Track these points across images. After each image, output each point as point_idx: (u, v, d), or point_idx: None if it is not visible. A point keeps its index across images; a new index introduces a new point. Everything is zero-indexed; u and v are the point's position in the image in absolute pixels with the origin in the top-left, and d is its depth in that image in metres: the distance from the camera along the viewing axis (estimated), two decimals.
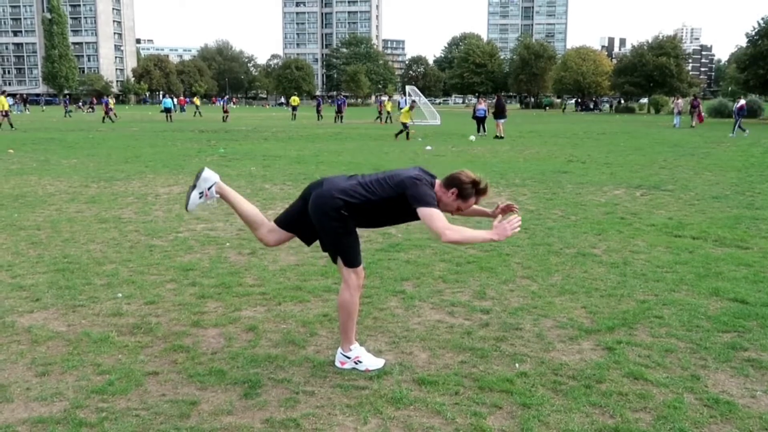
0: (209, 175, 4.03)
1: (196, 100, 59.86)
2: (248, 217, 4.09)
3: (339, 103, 46.17)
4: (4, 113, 31.69)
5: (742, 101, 31.57)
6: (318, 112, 48.93)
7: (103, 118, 42.25)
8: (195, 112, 56.58)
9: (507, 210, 4.06)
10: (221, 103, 48.17)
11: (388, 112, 43.56)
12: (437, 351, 4.23)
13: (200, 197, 4.00)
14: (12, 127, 31.41)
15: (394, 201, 3.70)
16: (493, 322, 4.75)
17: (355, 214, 3.75)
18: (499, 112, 27.03)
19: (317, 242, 4.00)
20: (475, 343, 4.35)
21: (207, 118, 49.36)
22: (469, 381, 3.77)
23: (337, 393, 3.63)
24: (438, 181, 3.84)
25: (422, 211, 3.59)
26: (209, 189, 4.01)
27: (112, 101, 48.38)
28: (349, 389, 3.67)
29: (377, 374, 3.86)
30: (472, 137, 25.93)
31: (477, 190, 3.79)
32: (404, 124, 26.00)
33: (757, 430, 3.23)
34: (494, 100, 29.01)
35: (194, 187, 4.00)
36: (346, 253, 3.83)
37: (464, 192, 3.76)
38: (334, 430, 3.22)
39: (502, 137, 25.93)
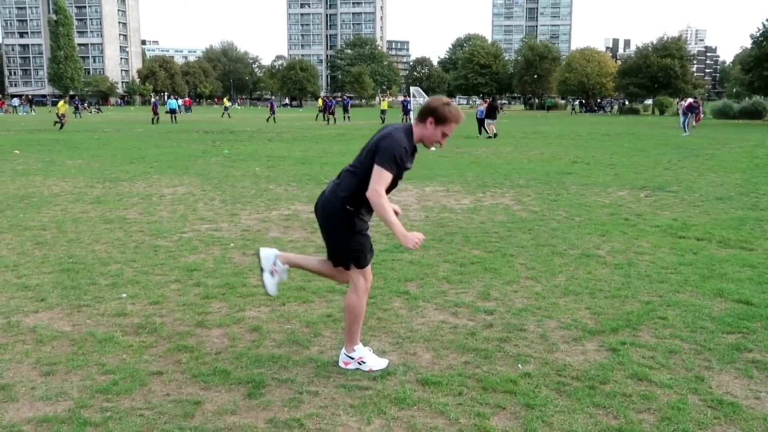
0: (267, 253, 4.06)
1: (226, 101, 58.47)
2: (324, 272, 4.11)
3: (346, 103, 48.05)
4: (61, 116, 33.06)
5: (690, 100, 31.90)
6: (332, 114, 45.85)
7: (153, 119, 41.85)
8: (223, 113, 55.04)
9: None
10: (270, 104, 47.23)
11: (383, 111, 43.97)
12: (441, 351, 4.23)
13: (272, 276, 4.04)
14: (61, 126, 32.82)
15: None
16: (496, 323, 4.75)
17: (359, 200, 3.73)
18: (488, 114, 28.14)
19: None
20: (479, 343, 4.35)
21: (210, 119, 49.42)
22: (473, 381, 3.77)
23: (341, 393, 3.63)
24: (413, 122, 3.84)
25: (375, 165, 3.61)
26: (274, 264, 4.03)
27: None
28: (352, 389, 3.67)
29: (381, 374, 3.86)
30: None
31: (451, 110, 3.74)
32: None
33: None
34: (489, 101, 30.08)
35: (262, 270, 4.04)
36: (356, 252, 3.83)
37: (439, 114, 3.72)
38: (338, 430, 3.23)
39: (489, 136, 26.96)
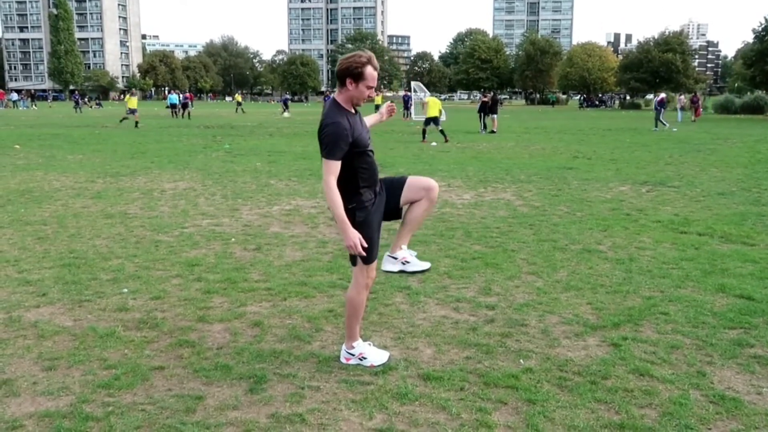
0: (385, 266, 4.11)
1: (238, 97, 58.04)
2: (418, 216, 4.03)
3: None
4: (130, 111, 31.60)
5: (662, 95, 32.00)
6: None
7: (184, 113, 41.02)
8: (237, 108, 54.52)
9: (389, 110, 4.16)
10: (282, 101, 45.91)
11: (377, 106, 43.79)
12: (442, 347, 4.23)
13: (409, 263, 4.07)
14: (136, 124, 30.90)
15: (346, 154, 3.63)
16: (498, 318, 4.75)
17: (348, 192, 3.67)
18: (491, 108, 28.42)
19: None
20: (481, 338, 4.35)
21: (211, 113, 49.43)
22: (475, 377, 3.77)
23: (343, 388, 3.63)
24: (335, 93, 3.77)
25: (323, 159, 3.58)
26: (396, 259, 4.07)
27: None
28: (354, 384, 3.67)
29: (382, 369, 3.86)
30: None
31: (361, 61, 3.61)
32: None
33: (763, 427, 3.22)
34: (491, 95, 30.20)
35: (403, 272, 4.08)
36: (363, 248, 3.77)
37: (352, 72, 3.60)
38: (340, 425, 3.23)
39: (493, 131, 27.18)
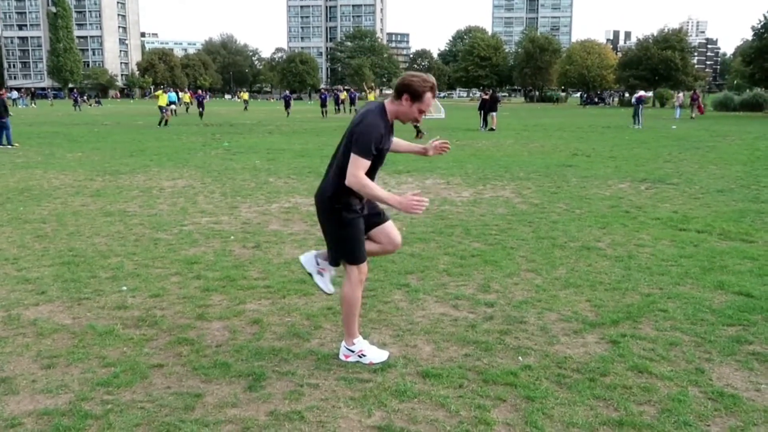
0: (306, 259, 4.13)
1: (244, 95, 57.45)
2: (376, 252, 4.09)
3: (352, 96, 47.88)
4: (162, 108, 31.19)
5: (641, 92, 32.06)
6: (324, 107, 45.17)
7: (202, 113, 38.78)
8: (245, 107, 54.26)
9: (440, 147, 4.07)
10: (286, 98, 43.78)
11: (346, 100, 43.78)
12: (441, 344, 4.23)
13: (322, 276, 4.07)
14: (166, 122, 30.40)
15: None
16: (497, 316, 4.75)
17: (345, 193, 3.69)
18: (491, 106, 28.42)
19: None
20: (479, 336, 4.35)
21: (213, 112, 49.34)
22: (473, 374, 3.77)
23: (342, 386, 3.63)
24: (388, 100, 3.76)
25: (353, 155, 3.55)
26: (318, 265, 4.07)
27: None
28: (353, 382, 3.67)
29: (381, 367, 3.86)
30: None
31: (426, 85, 3.64)
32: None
33: (761, 423, 3.22)
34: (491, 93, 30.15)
35: (311, 274, 4.12)
36: (349, 247, 3.82)
37: (414, 91, 3.63)
38: (339, 423, 3.23)
39: (492, 128, 27.19)
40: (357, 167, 3.54)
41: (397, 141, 4.00)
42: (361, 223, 3.84)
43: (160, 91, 33.47)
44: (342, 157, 3.68)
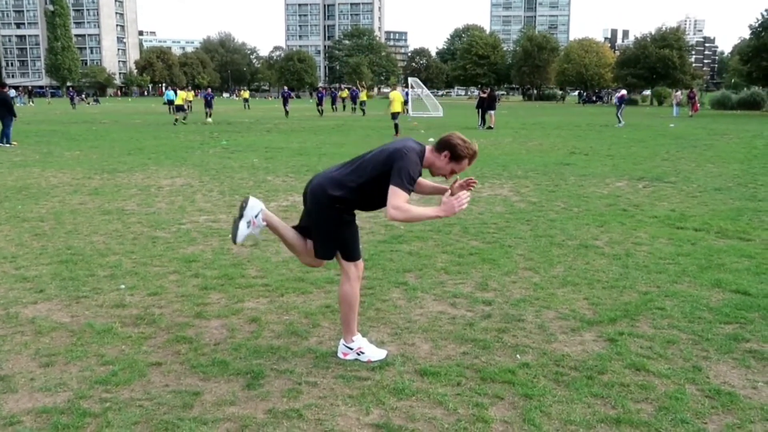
0: (255, 203, 3.92)
1: (245, 93, 56.78)
2: (293, 245, 4.03)
3: (354, 94, 47.37)
4: (188, 105, 30.98)
5: (623, 91, 32.19)
6: (334, 105, 45.39)
7: (209, 113, 35.44)
8: (245, 105, 53.57)
9: (465, 186, 4.00)
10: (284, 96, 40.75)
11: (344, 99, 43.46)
12: (439, 342, 4.24)
13: (248, 227, 3.88)
14: (184, 117, 30.40)
15: (386, 176, 3.59)
16: (495, 314, 4.76)
17: (351, 203, 3.74)
18: (489, 104, 28.59)
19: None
20: (477, 334, 4.36)
21: (219, 110, 49.21)
22: (471, 372, 3.78)
23: (340, 384, 3.64)
24: (429, 147, 3.79)
25: (393, 186, 3.52)
26: (256, 217, 3.89)
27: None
28: (351, 380, 3.68)
29: (379, 365, 3.87)
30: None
31: (469, 152, 3.74)
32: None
33: (758, 421, 3.24)
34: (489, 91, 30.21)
35: (241, 217, 3.87)
36: (345, 246, 3.83)
37: (456, 153, 3.71)
38: (337, 421, 3.24)
39: (490, 127, 27.33)
40: (399, 198, 3.51)
41: (421, 182, 4.01)
42: (354, 224, 3.90)
43: (186, 92, 33.36)
44: (364, 178, 3.67)
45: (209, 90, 42.45)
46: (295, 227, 4.04)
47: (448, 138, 3.76)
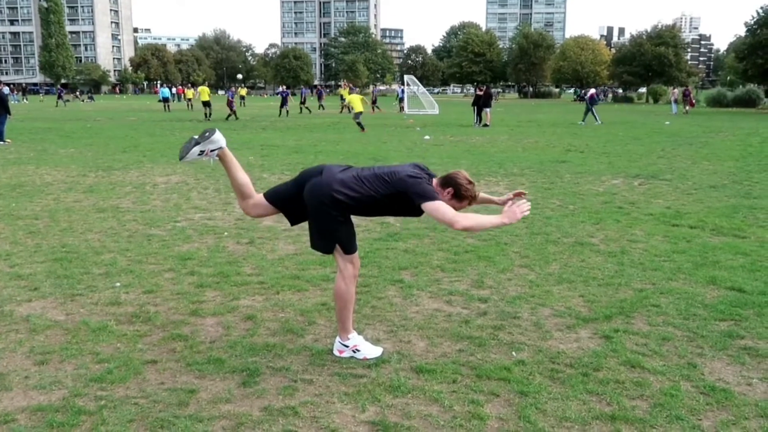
0: (219, 138, 3.97)
1: (242, 91, 56.59)
2: (240, 186, 4.09)
3: (354, 91, 46.41)
4: (205, 103, 31.04)
5: (592, 90, 32.32)
6: (302, 103, 43.45)
7: (232, 115, 33.53)
8: (241, 103, 52.59)
9: (516, 197, 4.11)
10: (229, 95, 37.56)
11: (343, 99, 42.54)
12: (435, 339, 4.24)
13: (200, 154, 3.95)
14: (208, 115, 30.39)
15: (393, 198, 3.72)
16: (490, 311, 4.76)
17: (352, 207, 3.77)
18: (485, 102, 28.43)
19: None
20: (473, 331, 4.37)
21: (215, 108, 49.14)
22: (467, 369, 3.78)
23: (336, 381, 3.64)
24: (435, 180, 3.84)
25: (428, 205, 3.60)
26: (212, 151, 3.96)
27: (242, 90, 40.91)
28: (347, 377, 3.68)
29: (375, 362, 3.87)
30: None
31: (470, 194, 3.81)
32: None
33: (753, 418, 3.25)
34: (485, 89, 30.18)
35: (197, 143, 3.93)
36: (342, 241, 3.84)
37: (460, 192, 3.77)
38: (333, 418, 3.24)
39: (486, 125, 27.26)
40: (447, 210, 3.59)
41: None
42: (352, 226, 3.94)
43: (203, 87, 33.42)
44: (369, 190, 3.72)
45: (233, 88, 41.53)
46: (266, 192, 4.09)
47: (455, 176, 3.81)
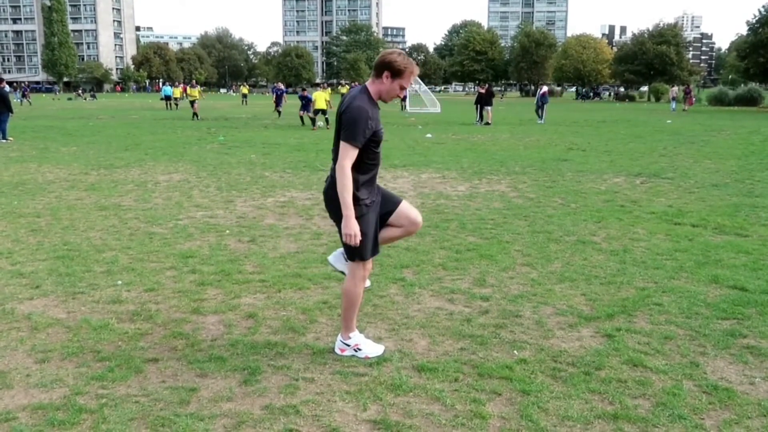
0: (335, 257, 4.09)
1: (244, 89, 56.63)
2: (397, 236, 4.10)
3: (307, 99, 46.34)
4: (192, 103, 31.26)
5: (545, 88, 32.31)
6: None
7: (279, 111, 33.31)
8: (243, 101, 53.72)
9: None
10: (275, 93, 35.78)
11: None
12: (437, 338, 4.23)
13: (343, 267, 4.05)
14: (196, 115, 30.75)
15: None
16: (492, 310, 4.75)
17: (355, 189, 3.64)
18: (486, 100, 28.47)
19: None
20: (475, 330, 4.36)
21: (209, 106, 49.20)
22: (469, 368, 3.77)
23: (337, 380, 3.63)
24: (368, 81, 3.75)
25: (343, 143, 3.55)
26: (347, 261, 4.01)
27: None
28: (348, 376, 3.67)
29: (377, 361, 3.86)
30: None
31: (405, 61, 3.64)
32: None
33: (755, 416, 3.24)
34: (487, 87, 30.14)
35: (343, 272, 4.07)
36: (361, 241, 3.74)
37: (395, 68, 3.63)
38: (334, 417, 3.23)
39: (488, 123, 27.40)
40: (346, 156, 3.54)
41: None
42: (372, 218, 3.78)
43: (191, 88, 33.63)
44: (336, 146, 3.67)
45: (278, 84, 40.36)
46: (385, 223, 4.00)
47: (382, 58, 3.68)
